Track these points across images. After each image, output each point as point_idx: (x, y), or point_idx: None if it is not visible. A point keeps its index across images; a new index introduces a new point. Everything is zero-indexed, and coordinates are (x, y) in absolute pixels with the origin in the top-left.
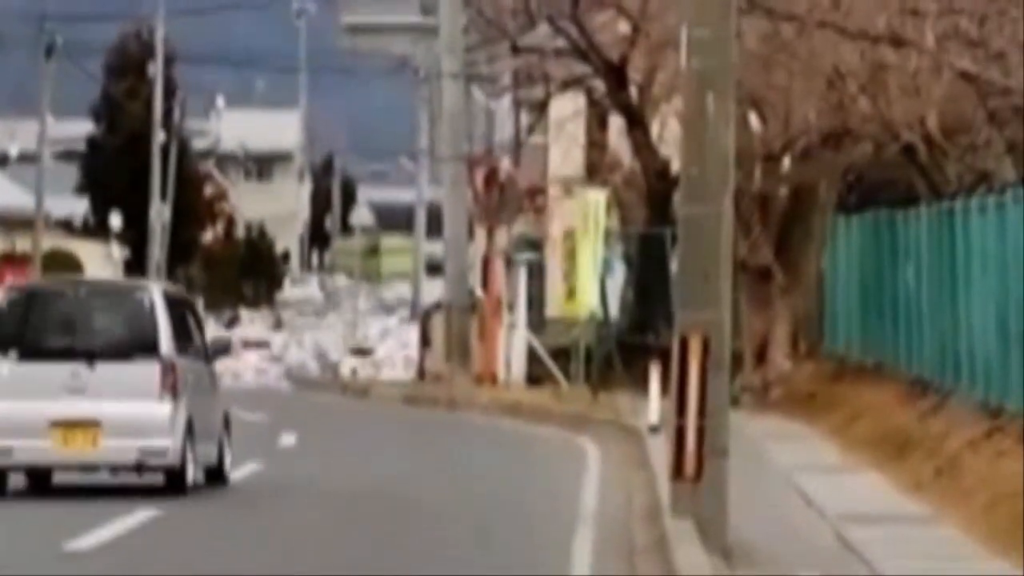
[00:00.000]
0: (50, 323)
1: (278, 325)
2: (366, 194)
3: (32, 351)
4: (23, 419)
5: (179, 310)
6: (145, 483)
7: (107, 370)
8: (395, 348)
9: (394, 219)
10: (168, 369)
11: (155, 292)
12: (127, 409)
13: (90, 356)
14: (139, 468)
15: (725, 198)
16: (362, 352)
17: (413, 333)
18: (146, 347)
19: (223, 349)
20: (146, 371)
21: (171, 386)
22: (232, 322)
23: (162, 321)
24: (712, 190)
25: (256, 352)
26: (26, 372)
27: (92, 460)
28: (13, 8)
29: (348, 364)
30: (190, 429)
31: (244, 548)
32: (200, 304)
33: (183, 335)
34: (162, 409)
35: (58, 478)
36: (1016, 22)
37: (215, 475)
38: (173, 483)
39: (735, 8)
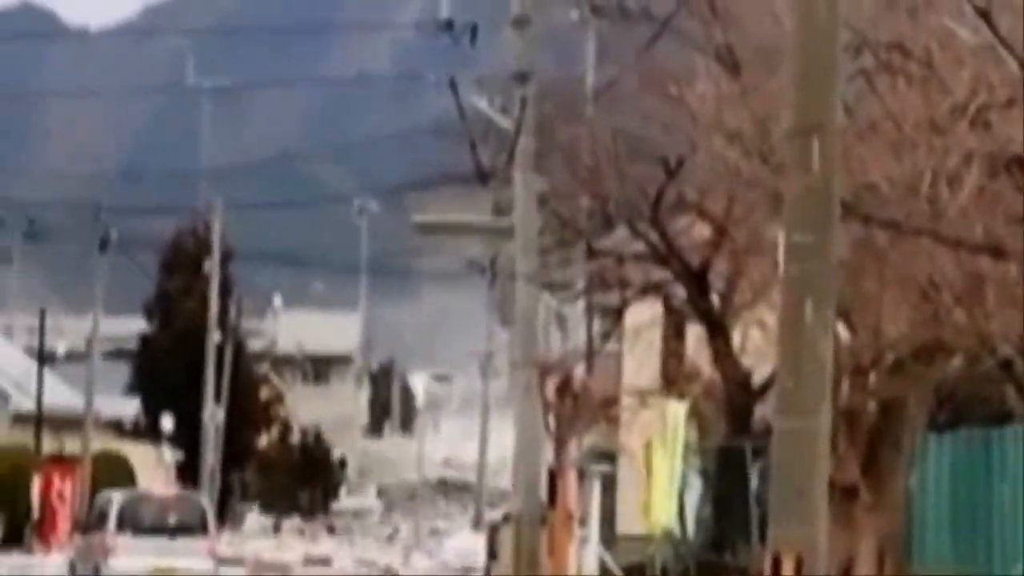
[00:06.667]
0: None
1: (331, 531)
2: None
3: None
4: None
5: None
6: None
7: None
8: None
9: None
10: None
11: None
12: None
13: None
14: None
15: (822, 412)
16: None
17: (477, 543)
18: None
19: None
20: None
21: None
22: (276, 529)
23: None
24: (808, 403)
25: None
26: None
27: None
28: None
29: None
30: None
31: None
32: (255, 509)
33: None
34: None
35: None
36: None
37: None
38: None
39: (837, 213)
